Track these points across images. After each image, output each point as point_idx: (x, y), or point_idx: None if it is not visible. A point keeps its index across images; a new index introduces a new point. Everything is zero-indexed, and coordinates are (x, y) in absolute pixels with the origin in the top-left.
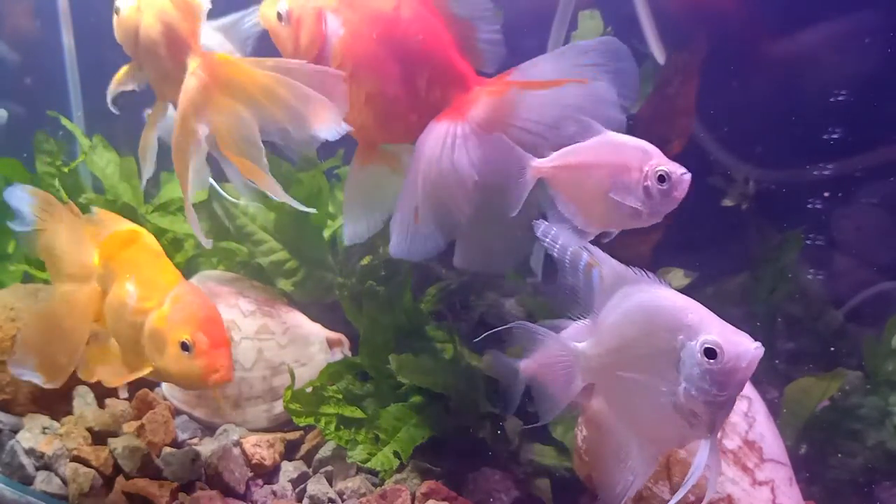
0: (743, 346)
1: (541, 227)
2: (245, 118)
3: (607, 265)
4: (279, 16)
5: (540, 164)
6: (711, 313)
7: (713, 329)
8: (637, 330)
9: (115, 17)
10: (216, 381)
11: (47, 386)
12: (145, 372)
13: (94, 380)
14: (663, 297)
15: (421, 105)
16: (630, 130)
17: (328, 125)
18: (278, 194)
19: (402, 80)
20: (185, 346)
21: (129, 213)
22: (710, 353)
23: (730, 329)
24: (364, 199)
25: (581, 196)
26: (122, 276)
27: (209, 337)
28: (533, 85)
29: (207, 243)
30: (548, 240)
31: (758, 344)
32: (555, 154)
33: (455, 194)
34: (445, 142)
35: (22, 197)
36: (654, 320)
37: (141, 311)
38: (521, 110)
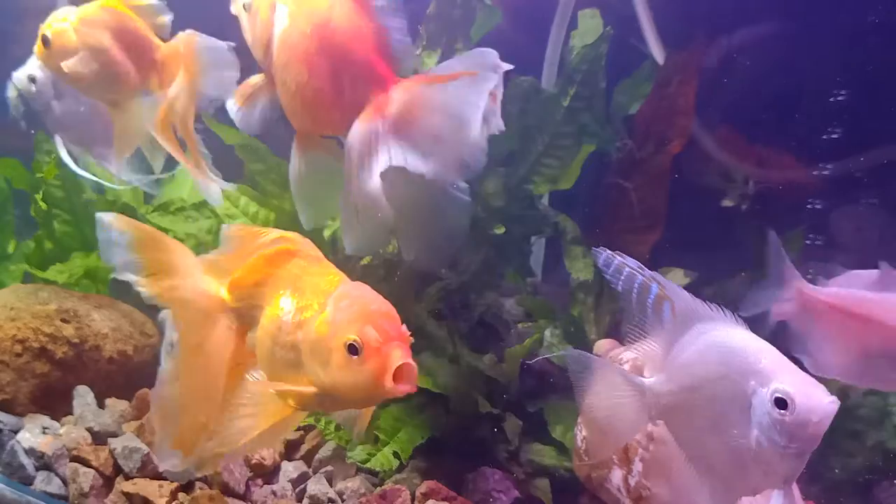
0: (816, 399)
1: (601, 256)
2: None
3: (681, 299)
4: (244, 6)
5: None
6: (786, 359)
7: (786, 378)
8: (710, 370)
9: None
10: (394, 382)
11: (199, 473)
12: (306, 408)
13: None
14: (738, 338)
15: (345, 101)
16: (630, 131)
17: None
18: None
19: (328, 75)
20: (352, 349)
21: (129, 213)
22: (780, 402)
23: (804, 379)
24: (309, 186)
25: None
26: (273, 296)
27: (380, 332)
28: (438, 79)
29: (217, 200)
30: (611, 270)
31: (833, 398)
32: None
33: (380, 191)
34: (369, 140)
35: (112, 235)
36: (727, 362)
37: (300, 324)
38: (431, 105)
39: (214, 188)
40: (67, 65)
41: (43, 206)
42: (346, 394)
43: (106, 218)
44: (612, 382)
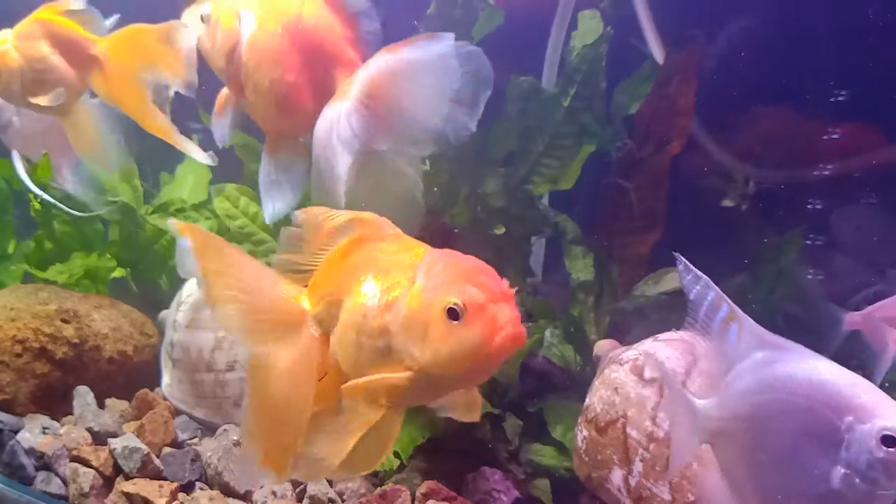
0: None
1: (681, 261)
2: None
3: (748, 326)
4: (202, 18)
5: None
6: (885, 394)
7: (891, 414)
8: (784, 402)
9: None
10: (504, 343)
11: (279, 481)
12: (401, 400)
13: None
14: (825, 370)
15: (318, 92)
16: (630, 131)
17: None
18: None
19: (301, 70)
20: (453, 314)
21: (129, 213)
22: (888, 440)
23: None
24: (277, 185)
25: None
26: (353, 285)
27: (482, 289)
28: (393, 48)
29: (207, 158)
30: (688, 278)
31: None
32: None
33: (344, 168)
34: (333, 120)
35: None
36: (814, 395)
37: (388, 306)
38: (391, 79)
39: (200, 152)
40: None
41: (37, 205)
42: (450, 368)
43: (173, 224)
44: (669, 398)
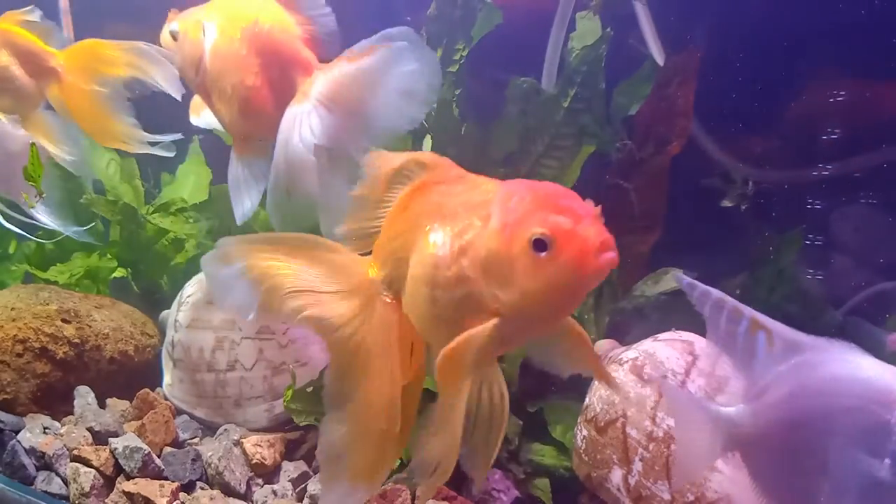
0: None
1: (683, 280)
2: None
3: (779, 331)
4: (172, 35)
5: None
6: None
7: None
8: (830, 404)
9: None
10: (598, 267)
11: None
12: (490, 352)
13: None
14: (870, 367)
15: (277, 94)
16: (630, 131)
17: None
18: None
19: (260, 73)
20: (539, 245)
21: (129, 213)
22: None
23: None
24: (245, 186)
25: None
26: (419, 237)
27: (568, 213)
28: (353, 57)
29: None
30: (697, 295)
31: None
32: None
33: (307, 166)
34: (294, 121)
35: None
36: (860, 393)
37: (463, 251)
38: (350, 81)
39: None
40: None
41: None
42: (541, 303)
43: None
44: (682, 409)
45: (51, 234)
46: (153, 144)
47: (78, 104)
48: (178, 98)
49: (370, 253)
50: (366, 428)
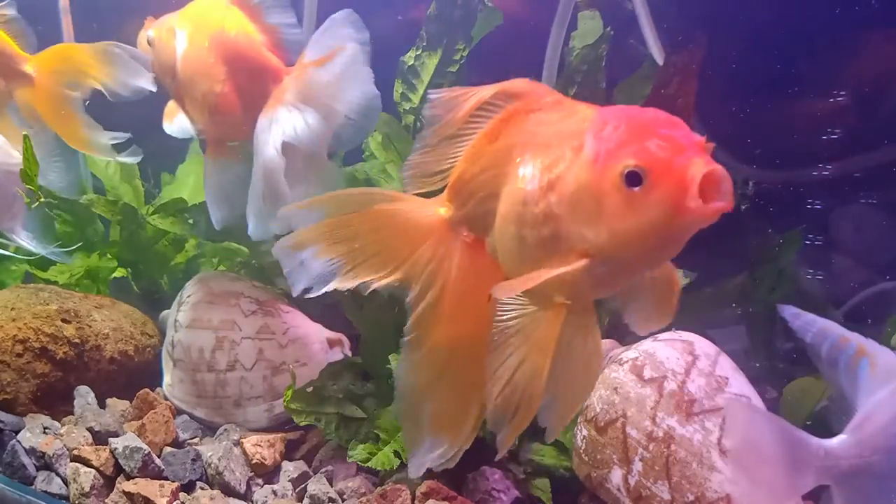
0: None
1: (788, 311)
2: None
3: (883, 357)
4: (148, 41)
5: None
6: None
7: None
8: None
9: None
10: (701, 206)
11: (454, 451)
12: (580, 295)
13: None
14: None
15: (246, 99)
16: None
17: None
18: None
19: (227, 79)
20: (632, 179)
21: (129, 213)
22: None
23: None
24: (221, 190)
25: None
26: (508, 171)
27: (666, 142)
28: (321, 60)
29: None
30: (799, 323)
31: None
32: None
33: (282, 170)
34: (268, 127)
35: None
36: None
37: (551, 185)
38: (319, 85)
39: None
40: None
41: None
42: (633, 247)
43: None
44: (772, 437)
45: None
46: (120, 151)
47: (46, 109)
48: (153, 89)
49: (432, 194)
50: (451, 376)
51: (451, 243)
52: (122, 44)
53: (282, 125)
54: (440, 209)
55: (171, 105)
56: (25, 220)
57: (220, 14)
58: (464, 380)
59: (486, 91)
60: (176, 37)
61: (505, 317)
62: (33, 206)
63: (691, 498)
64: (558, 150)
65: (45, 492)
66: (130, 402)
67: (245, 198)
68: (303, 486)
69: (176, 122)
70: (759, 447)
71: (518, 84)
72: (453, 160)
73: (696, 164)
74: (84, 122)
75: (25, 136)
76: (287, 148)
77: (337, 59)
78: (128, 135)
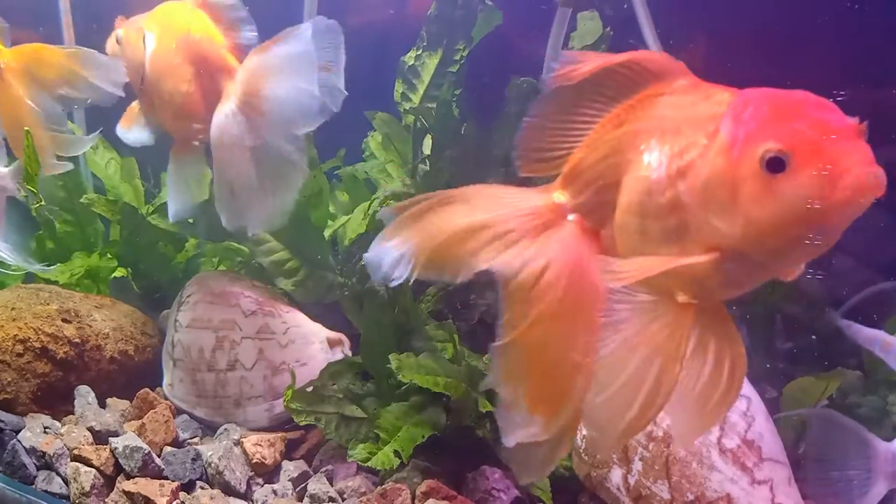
0: None
1: (847, 325)
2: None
3: None
4: (117, 40)
5: None
6: None
7: None
8: None
9: None
10: (854, 192)
11: (547, 433)
12: (706, 292)
13: None
14: None
15: (207, 99)
16: None
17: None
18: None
19: (191, 79)
20: (774, 164)
21: (129, 213)
22: None
23: None
24: (183, 186)
25: None
26: (632, 158)
27: (816, 126)
28: (262, 48)
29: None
30: (864, 336)
31: None
32: None
33: (238, 162)
34: (222, 122)
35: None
36: None
37: (681, 172)
38: (259, 73)
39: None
40: None
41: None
42: (774, 238)
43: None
44: (848, 443)
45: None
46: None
47: (9, 105)
48: (122, 94)
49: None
50: (557, 357)
51: (565, 228)
52: (94, 50)
53: (230, 119)
54: (554, 196)
55: (132, 109)
56: (5, 232)
57: (186, 16)
58: (572, 363)
59: (615, 57)
60: (145, 37)
61: (622, 314)
62: (35, 208)
63: (691, 497)
64: (691, 136)
65: (46, 491)
66: (130, 402)
67: (202, 193)
68: (303, 485)
69: (133, 131)
70: (835, 454)
71: (651, 57)
72: (572, 144)
73: (847, 149)
74: (44, 124)
75: (27, 133)
76: (236, 140)
77: (273, 47)
78: (96, 135)
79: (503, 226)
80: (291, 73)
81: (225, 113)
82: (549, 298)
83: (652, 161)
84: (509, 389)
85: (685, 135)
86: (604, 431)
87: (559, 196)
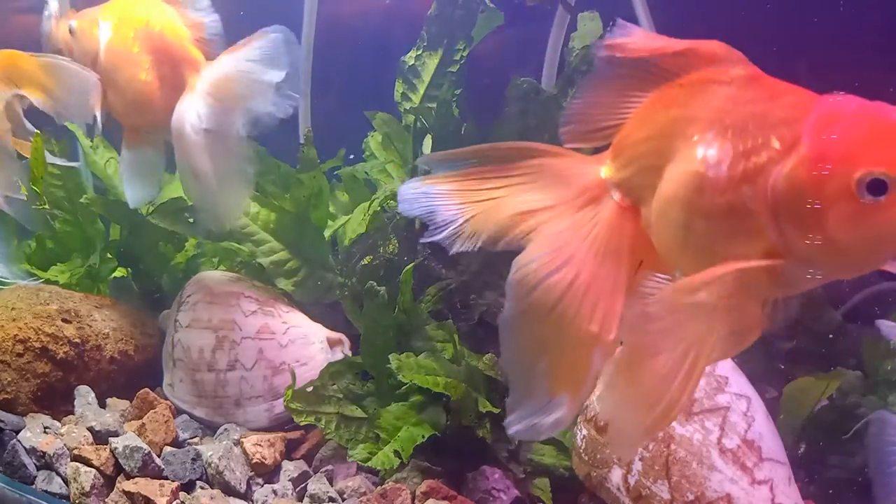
0: None
1: (884, 326)
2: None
3: None
4: (70, 30)
5: None
6: None
7: None
8: None
9: None
10: None
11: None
12: (756, 294)
13: None
14: None
15: (166, 89)
16: None
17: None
18: None
19: (150, 69)
20: (875, 187)
21: (130, 213)
22: None
23: None
24: (138, 175)
25: None
26: (680, 146)
27: None
28: (233, 49)
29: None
30: None
31: None
32: None
33: (198, 150)
34: (185, 112)
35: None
36: None
37: (747, 176)
38: (229, 73)
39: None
40: None
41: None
42: (854, 257)
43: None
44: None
45: None
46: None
47: None
48: (97, 116)
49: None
50: (576, 332)
51: (605, 204)
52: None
53: (193, 110)
54: (601, 167)
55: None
56: None
57: (146, 7)
58: (591, 337)
59: (673, 43)
60: (99, 27)
61: (659, 305)
62: (39, 209)
63: (691, 497)
64: (760, 137)
65: (46, 491)
66: (130, 402)
67: (157, 181)
68: (303, 485)
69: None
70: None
71: (711, 46)
72: (621, 117)
73: None
74: (9, 130)
75: (37, 136)
76: (199, 130)
77: (243, 49)
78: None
79: (547, 201)
80: (256, 75)
81: (188, 104)
82: (575, 275)
83: (710, 156)
84: (524, 374)
85: (752, 135)
86: (630, 425)
87: (606, 170)
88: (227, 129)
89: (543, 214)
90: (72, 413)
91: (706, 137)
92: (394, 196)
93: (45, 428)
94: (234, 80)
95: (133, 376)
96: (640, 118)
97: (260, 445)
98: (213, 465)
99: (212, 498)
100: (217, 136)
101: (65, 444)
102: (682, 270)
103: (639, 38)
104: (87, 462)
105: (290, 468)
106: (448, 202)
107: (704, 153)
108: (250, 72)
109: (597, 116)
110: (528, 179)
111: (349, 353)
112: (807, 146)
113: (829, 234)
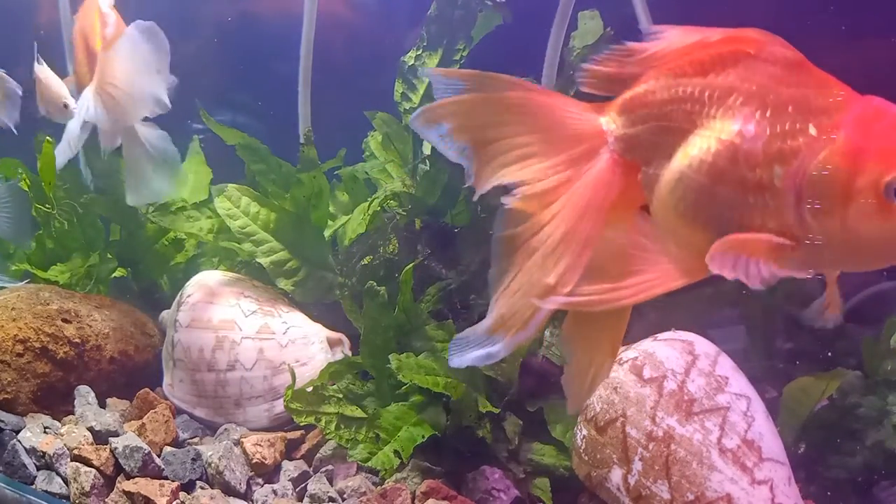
0: None
1: None
2: None
3: None
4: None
5: None
6: None
7: None
8: None
9: None
10: None
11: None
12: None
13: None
14: None
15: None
16: None
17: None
18: None
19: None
20: None
21: (130, 213)
22: None
23: None
24: (138, 174)
25: None
26: (712, 115)
27: None
28: (108, 44)
29: None
30: None
31: None
32: None
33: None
34: (83, 104)
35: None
36: None
37: (781, 155)
38: (113, 63)
39: None
40: None
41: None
42: (865, 253)
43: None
44: None
45: None
46: None
47: None
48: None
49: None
50: (534, 280)
51: (600, 155)
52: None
53: (87, 100)
54: (602, 119)
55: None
56: None
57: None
58: (541, 285)
59: (713, 34)
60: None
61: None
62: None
63: (691, 497)
64: (798, 120)
65: (46, 491)
66: (130, 402)
67: (157, 181)
68: (303, 485)
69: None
70: None
71: (749, 34)
72: (639, 71)
73: None
74: None
75: (46, 142)
76: (95, 119)
77: (117, 42)
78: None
79: (543, 145)
80: (129, 66)
81: (85, 97)
82: (554, 227)
83: (747, 130)
84: (498, 316)
85: (791, 118)
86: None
87: (608, 123)
88: (123, 117)
89: (537, 161)
90: (72, 413)
91: (745, 111)
92: (394, 196)
93: (45, 428)
94: (112, 73)
95: (133, 376)
96: (665, 78)
97: (260, 445)
98: (213, 465)
99: (212, 498)
100: (111, 125)
101: (65, 444)
102: (674, 234)
103: (674, 38)
104: (87, 462)
105: (290, 468)
106: (456, 146)
107: (743, 127)
108: (121, 64)
109: (617, 67)
110: (525, 118)
111: (349, 353)
112: (844, 139)
113: (846, 224)
